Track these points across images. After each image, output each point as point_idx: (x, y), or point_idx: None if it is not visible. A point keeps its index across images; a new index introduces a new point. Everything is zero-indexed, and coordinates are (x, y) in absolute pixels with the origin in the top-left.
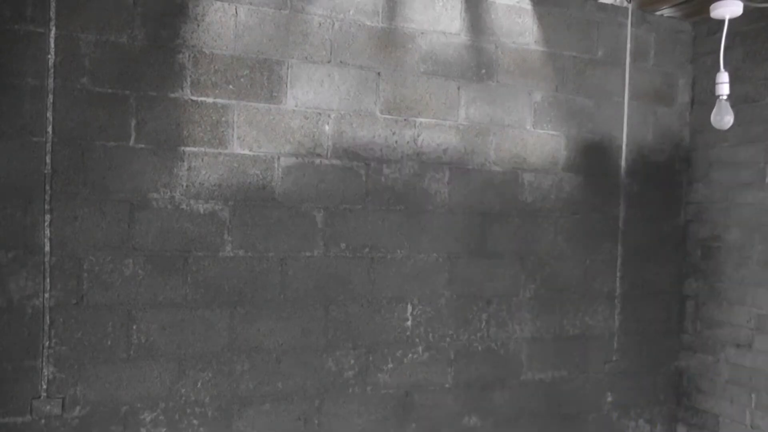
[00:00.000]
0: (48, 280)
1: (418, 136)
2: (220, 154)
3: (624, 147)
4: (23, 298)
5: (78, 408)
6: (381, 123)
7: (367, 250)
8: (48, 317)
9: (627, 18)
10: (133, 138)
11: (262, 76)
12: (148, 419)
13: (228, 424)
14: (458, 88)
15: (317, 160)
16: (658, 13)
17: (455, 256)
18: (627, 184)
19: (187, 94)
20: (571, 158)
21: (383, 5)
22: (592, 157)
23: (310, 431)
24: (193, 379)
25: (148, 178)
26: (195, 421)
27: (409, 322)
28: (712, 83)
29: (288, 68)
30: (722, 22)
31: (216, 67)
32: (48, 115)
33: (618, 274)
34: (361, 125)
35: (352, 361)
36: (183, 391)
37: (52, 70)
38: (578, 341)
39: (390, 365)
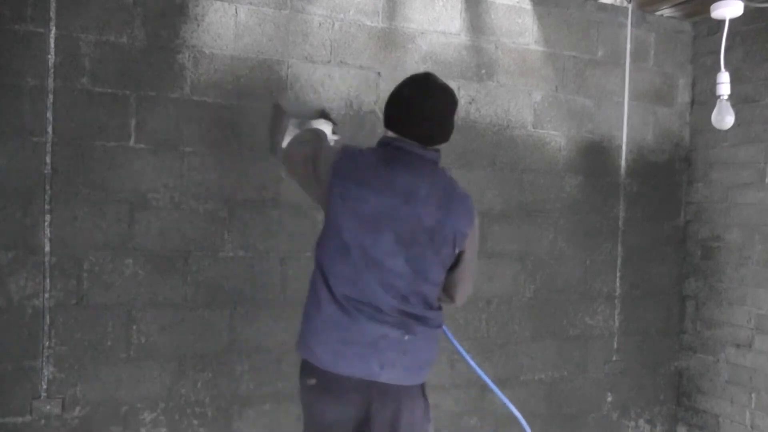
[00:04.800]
0: (48, 280)
1: None
2: (220, 153)
3: (624, 147)
4: (23, 298)
5: (78, 408)
6: (381, 123)
7: None
8: (48, 317)
9: (627, 18)
10: (133, 138)
11: (262, 76)
12: (148, 419)
13: (228, 424)
14: (458, 88)
15: None
16: (658, 13)
17: None
18: (627, 184)
19: (187, 94)
20: (571, 158)
21: (383, 5)
22: (592, 157)
23: None
24: (193, 379)
25: (148, 178)
26: (195, 421)
27: None
28: (712, 83)
29: (288, 68)
30: (722, 22)
31: (216, 67)
32: (48, 115)
33: (618, 274)
34: (361, 125)
35: None
36: (183, 391)
37: (52, 70)
38: (578, 341)
39: None
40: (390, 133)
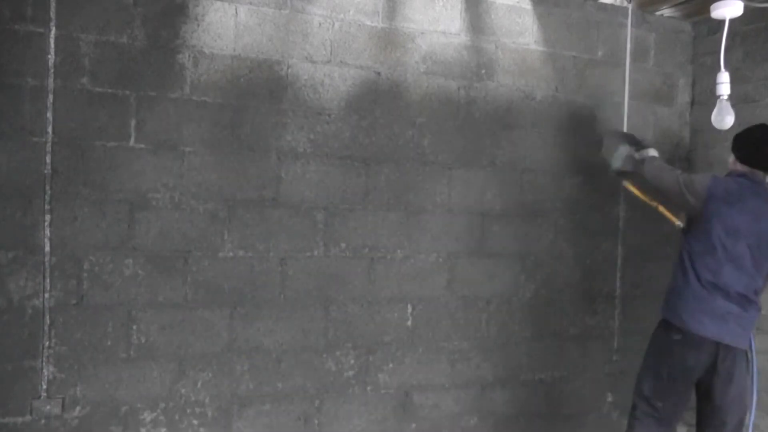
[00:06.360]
0: (48, 280)
1: (418, 135)
2: (220, 153)
3: None
4: (23, 298)
5: (78, 408)
6: (381, 122)
7: (367, 250)
8: (48, 317)
9: (627, 18)
10: (133, 138)
11: (262, 76)
12: (148, 419)
13: (228, 424)
14: (458, 88)
15: (317, 160)
16: (658, 13)
17: (455, 256)
18: None
19: (187, 94)
20: (571, 158)
21: (383, 5)
22: (593, 157)
23: (310, 431)
24: (193, 379)
25: (148, 178)
26: (195, 421)
27: (409, 322)
28: (712, 83)
29: (288, 68)
30: (722, 22)
31: (216, 67)
32: (48, 115)
33: (618, 274)
34: (361, 125)
35: (352, 361)
36: (183, 391)
37: (52, 70)
38: (578, 341)
39: (390, 365)
40: (740, 166)
